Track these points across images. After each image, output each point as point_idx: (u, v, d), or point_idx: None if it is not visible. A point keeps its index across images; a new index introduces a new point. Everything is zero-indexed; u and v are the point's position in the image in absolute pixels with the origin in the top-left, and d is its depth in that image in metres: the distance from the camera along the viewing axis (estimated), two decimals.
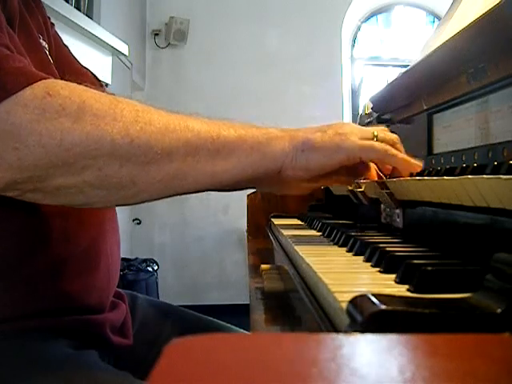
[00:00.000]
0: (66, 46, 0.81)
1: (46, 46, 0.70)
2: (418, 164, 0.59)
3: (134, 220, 3.38)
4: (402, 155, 0.59)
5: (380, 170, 0.64)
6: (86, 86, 0.51)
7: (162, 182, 0.51)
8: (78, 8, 2.20)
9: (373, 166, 0.63)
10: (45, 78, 0.49)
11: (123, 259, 2.54)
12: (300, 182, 0.60)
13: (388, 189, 0.62)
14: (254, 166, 0.54)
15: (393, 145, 0.59)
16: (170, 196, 0.55)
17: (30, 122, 0.46)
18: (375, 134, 0.59)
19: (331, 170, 0.58)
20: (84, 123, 0.47)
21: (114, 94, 0.54)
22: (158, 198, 0.55)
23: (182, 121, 0.52)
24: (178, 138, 0.50)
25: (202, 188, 0.54)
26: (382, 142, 0.58)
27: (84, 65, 0.82)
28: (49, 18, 0.77)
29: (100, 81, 0.84)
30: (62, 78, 0.53)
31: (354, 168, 0.62)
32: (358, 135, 0.57)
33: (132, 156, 0.49)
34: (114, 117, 0.48)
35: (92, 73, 0.82)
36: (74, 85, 0.50)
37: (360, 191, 0.74)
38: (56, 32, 0.79)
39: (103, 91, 0.57)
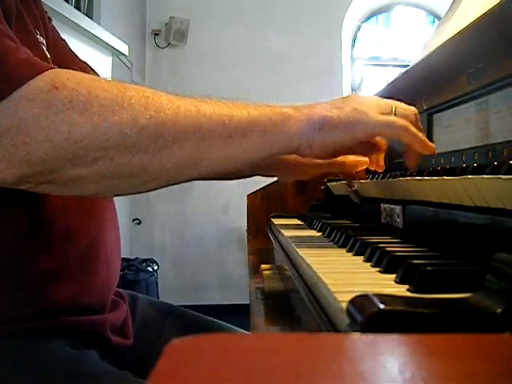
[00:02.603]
0: (63, 40, 0.80)
1: (44, 41, 0.69)
2: (432, 146, 0.57)
3: (133, 220, 3.37)
4: (421, 135, 0.57)
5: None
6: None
7: (173, 169, 0.50)
8: (78, 8, 2.21)
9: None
10: (50, 68, 0.48)
11: (123, 259, 2.54)
12: (310, 167, 0.60)
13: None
14: (268, 148, 0.53)
15: (412, 122, 0.57)
16: (182, 182, 0.54)
17: (37, 117, 0.45)
18: (394, 108, 0.56)
19: (349, 146, 0.56)
20: (91, 115, 0.46)
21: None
22: (170, 185, 0.54)
23: (192, 105, 0.50)
24: (189, 123, 0.49)
25: (214, 172, 0.53)
26: (401, 117, 0.56)
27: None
28: (46, 13, 0.76)
29: (98, 75, 0.84)
30: None
31: (369, 146, 0.60)
32: (376, 109, 0.55)
33: (142, 145, 0.48)
34: (122, 105, 0.47)
35: (90, 66, 0.82)
36: (81, 74, 0.49)
37: (354, 190, 0.79)
38: (53, 26, 0.78)
39: None
